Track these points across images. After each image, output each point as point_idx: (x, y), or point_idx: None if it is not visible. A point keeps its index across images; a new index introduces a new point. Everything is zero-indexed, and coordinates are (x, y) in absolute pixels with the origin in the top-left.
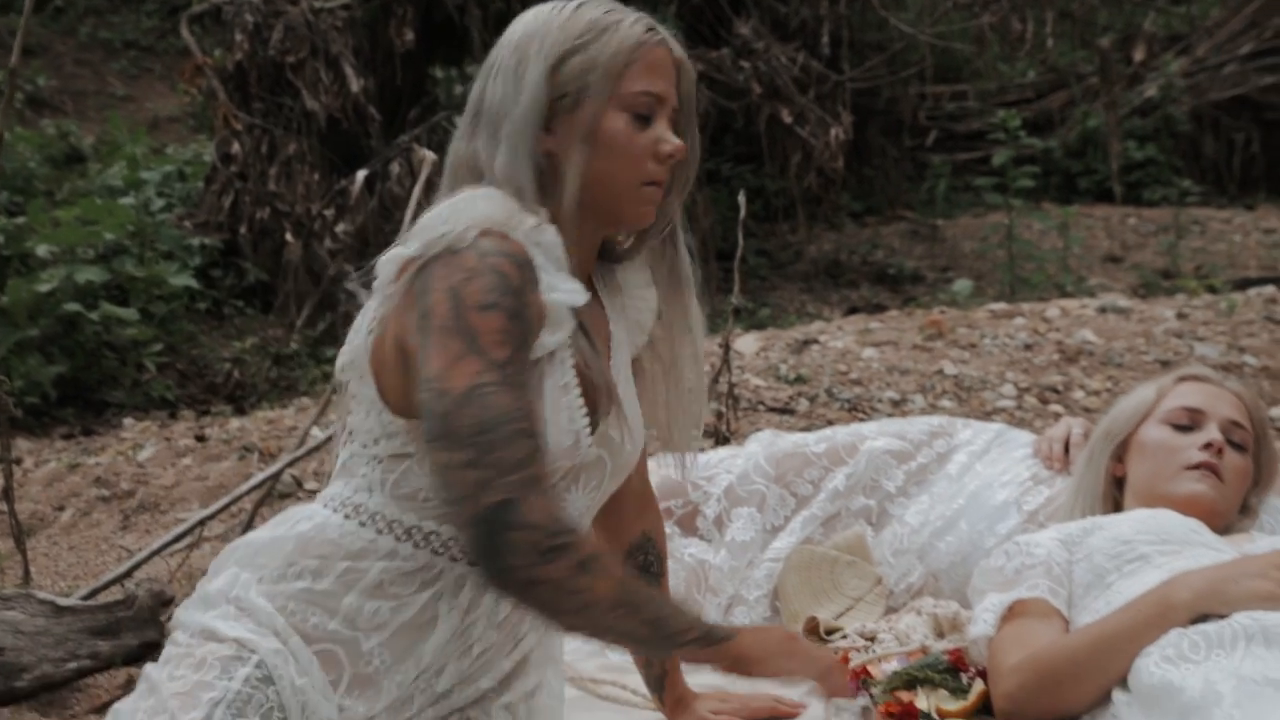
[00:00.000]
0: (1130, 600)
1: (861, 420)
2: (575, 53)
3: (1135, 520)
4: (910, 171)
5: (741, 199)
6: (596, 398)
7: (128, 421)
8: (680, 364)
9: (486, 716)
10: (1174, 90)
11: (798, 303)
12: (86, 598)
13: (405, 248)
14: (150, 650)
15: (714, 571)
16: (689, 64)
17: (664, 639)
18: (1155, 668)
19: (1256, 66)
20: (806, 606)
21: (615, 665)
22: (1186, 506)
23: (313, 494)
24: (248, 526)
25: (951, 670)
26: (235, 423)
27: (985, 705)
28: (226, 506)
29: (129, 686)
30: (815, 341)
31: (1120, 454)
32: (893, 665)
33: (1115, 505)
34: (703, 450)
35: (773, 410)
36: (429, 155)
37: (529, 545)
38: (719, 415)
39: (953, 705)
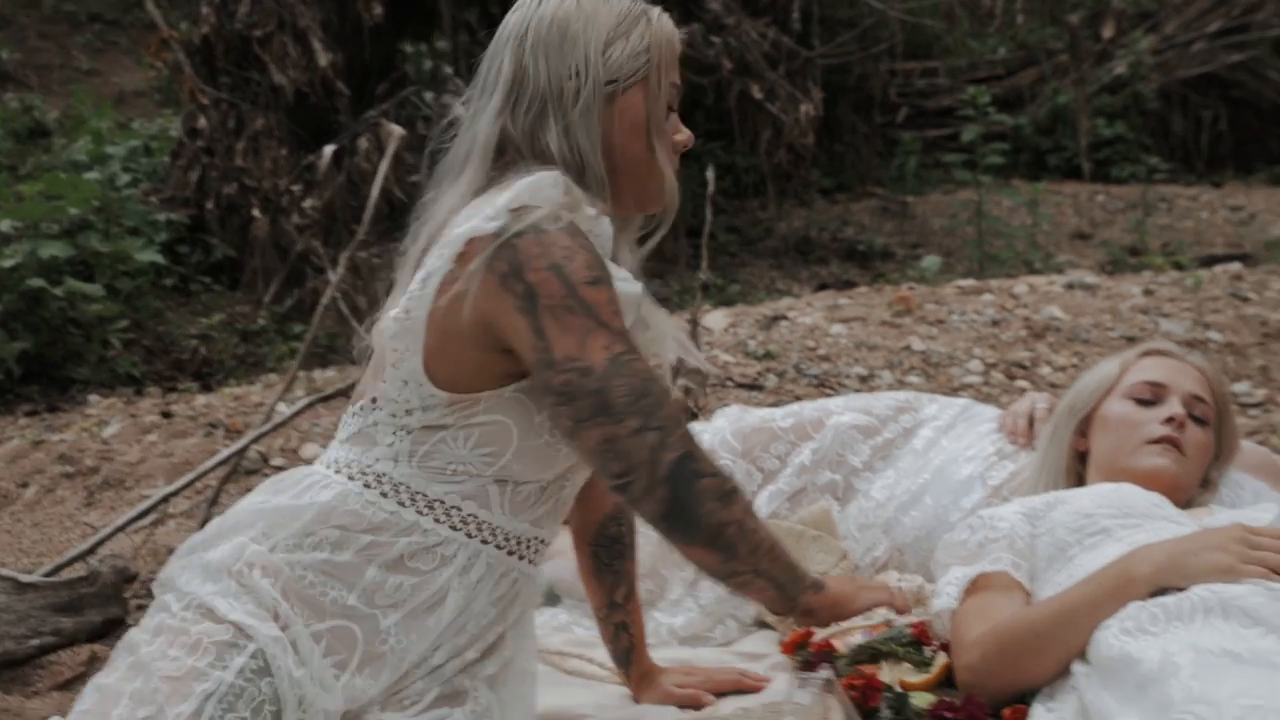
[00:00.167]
0: (1091, 573)
1: (829, 396)
2: (619, 38)
3: (1097, 494)
4: (881, 148)
5: (710, 175)
6: None
7: (93, 398)
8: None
9: (472, 685)
10: (1143, 68)
11: (768, 279)
12: (49, 574)
13: (482, 224)
14: (114, 627)
15: None
16: None
17: (794, 583)
18: (1114, 640)
19: (1224, 44)
20: None
21: (581, 640)
22: (1148, 480)
23: (280, 469)
24: (213, 503)
25: (915, 643)
26: (201, 399)
27: (948, 678)
28: (191, 483)
29: (92, 663)
30: (784, 318)
31: (1084, 428)
32: (857, 639)
33: (1078, 479)
34: None
35: (741, 386)
36: (396, 130)
37: (715, 490)
38: (687, 391)
39: (916, 678)
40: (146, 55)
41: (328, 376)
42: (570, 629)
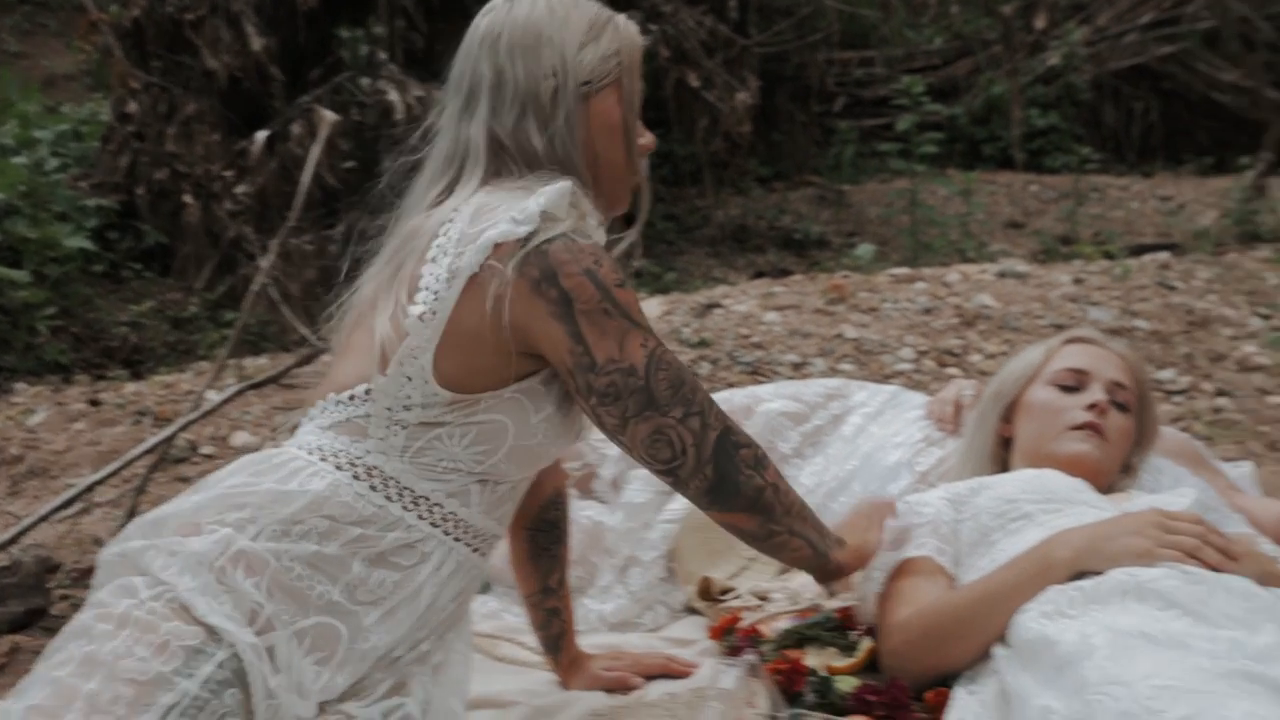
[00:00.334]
0: (1012, 558)
1: (762, 383)
2: (590, 42)
3: (1020, 480)
4: (818, 137)
5: (644, 163)
6: None
7: (19, 386)
8: None
9: (420, 672)
10: (1076, 59)
11: (704, 267)
12: None
13: (511, 228)
14: (36, 617)
15: (609, 533)
16: None
17: (823, 539)
18: (1033, 623)
19: (1155, 36)
20: (702, 567)
21: (512, 626)
22: (1071, 466)
23: (210, 458)
24: (140, 491)
25: (841, 628)
26: (130, 387)
27: (873, 662)
28: (117, 471)
29: (14, 654)
30: (719, 305)
31: (1009, 415)
32: (783, 624)
33: (1003, 465)
34: None
35: None
36: (329, 116)
37: (750, 459)
38: None
39: (841, 662)
40: (76, 38)
41: (259, 364)
42: (501, 615)
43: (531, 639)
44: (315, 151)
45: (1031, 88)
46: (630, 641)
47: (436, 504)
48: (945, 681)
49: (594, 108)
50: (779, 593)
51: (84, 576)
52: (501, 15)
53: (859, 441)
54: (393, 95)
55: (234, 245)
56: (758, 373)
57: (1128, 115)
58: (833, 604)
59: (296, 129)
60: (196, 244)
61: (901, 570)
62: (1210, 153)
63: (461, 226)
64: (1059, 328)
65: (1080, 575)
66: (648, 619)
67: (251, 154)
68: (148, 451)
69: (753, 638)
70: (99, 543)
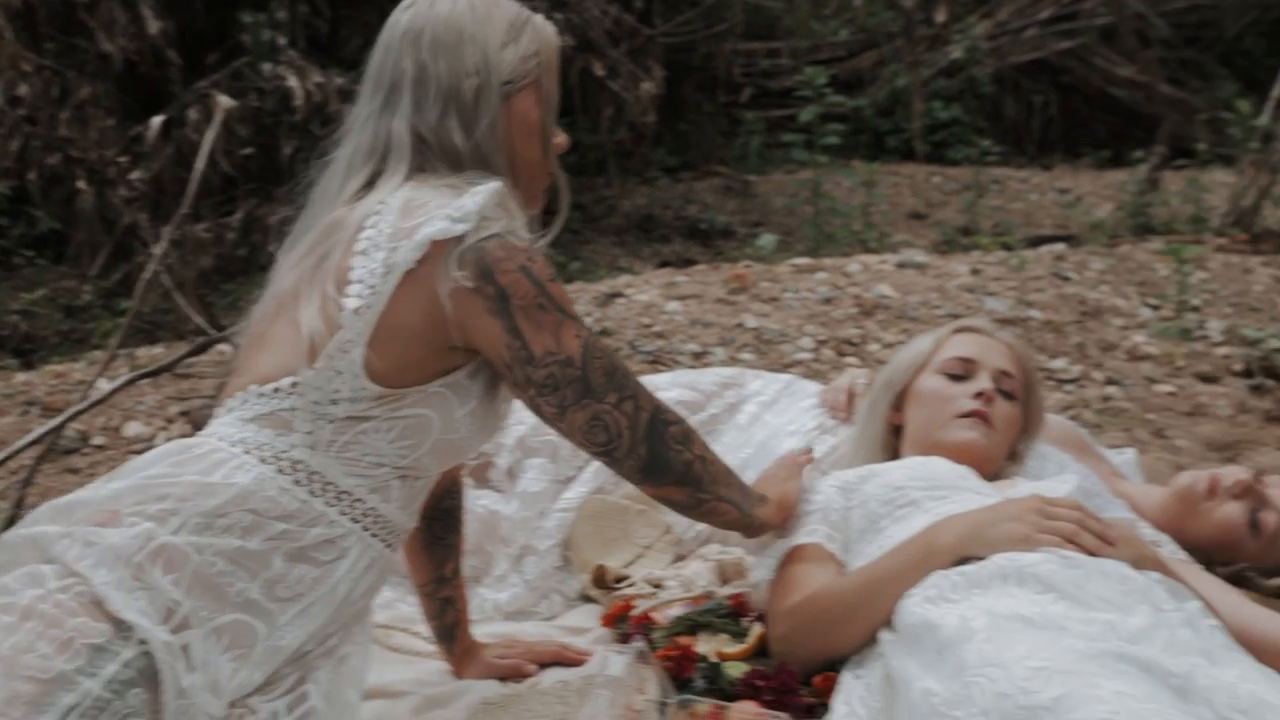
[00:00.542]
0: (898, 544)
1: (662, 372)
2: (511, 41)
3: (907, 467)
4: (724, 127)
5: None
6: None
7: None
8: None
9: (327, 665)
10: (978, 52)
11: (610, 256)
12: None
13: (448, 226)
14: None
15: (505, 522)
16: None
17: (748, 500)
18: (917, 607)
19: (1054, 31)
20: (597, 555)
21: (406, 616)
22: (958, 453)
23: (101, 449)
24: (27, 483)
25: (732, 615)
26: (21, 377)
27: (764, 648)
28: (3, 462)
29: None
30: (621, 295)
31: (899, 403)
32: (676, 611)
33: (894, 453)
34: None
35: None
36: (224, 101)
37: (681, 434)
38: None
39: (732, 649)
40: None
41: (154, 353)
42: (395, 605)
43: (426, 629)
44: (209, 137)
45: (934, 81)
46: (525, 630)
47: (359, 499)
48: (833, 666)
49: (514, 108)
50: (672, 580)
51: None
52: (423, 11)
53: (754, 430)
54: (292, 81)
55: (129, 232)
56: (658, 362)
57: (1028, 109)
58: (725, 591)
59: (193, 114)
60: (90, 231)
61: (791, 557)
62: (1107, 146)
63: (393, 220)
64: (956, 317)
65: (964, 560)
66: (543, 607)
67: (147, 139)
68: (34, 442)
69: (645, 625)
70: (45, 506)
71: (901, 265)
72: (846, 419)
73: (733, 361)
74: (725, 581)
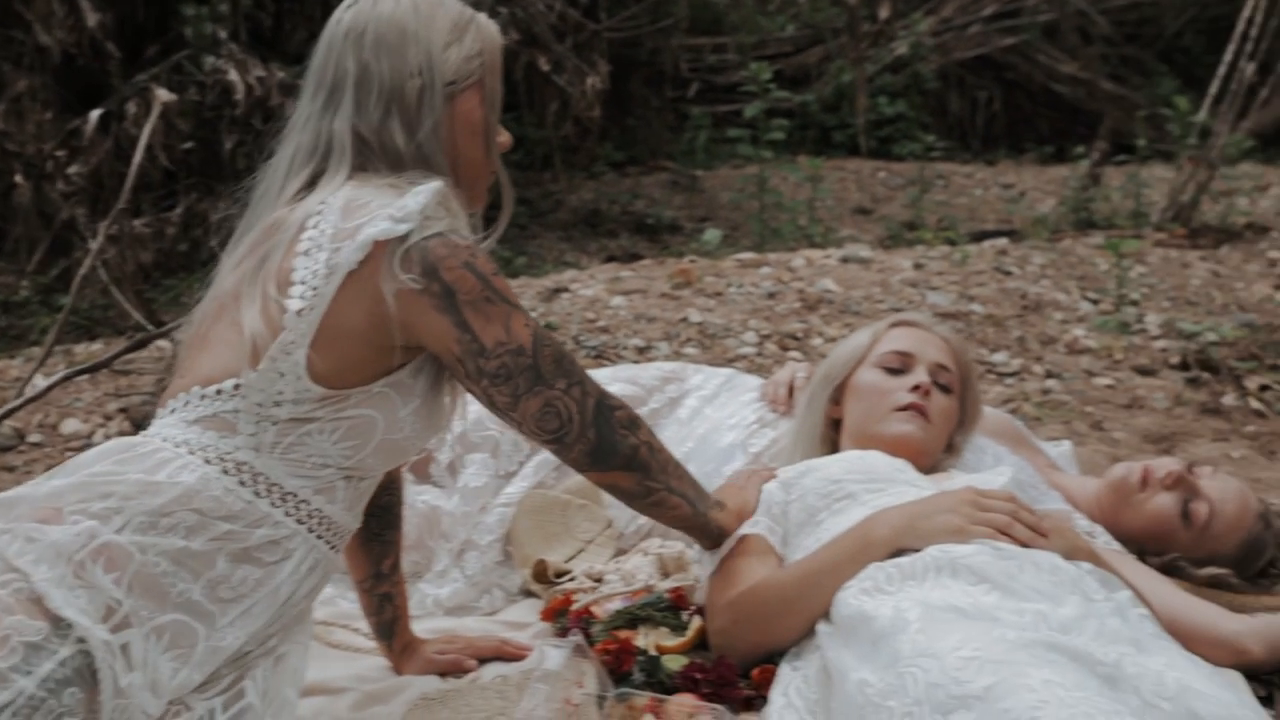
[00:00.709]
0: (834, 537)
1: (606, 367)
2: (454, 41)
3: (845, 461)
4: (671, 122)
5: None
6: None
7: None
8: None
9: (266, 663)
10: (922, 48)
11: (556, 251)
12: None
13: (391, 226)
14: None
15: (446, 517)
16: None
17: (702, 499)
18: (853, 599)
19: (998, 28)
20: (538, 550)
21: (346, 613)
22: (896, 446)
23: (38, 446)
24: None
25: (673, 608)
26: None
27: (704, 641)
28: None
29: None
30: (566, 290)
31: (837, 397)
32: (616, 605)
33: (834, 446)
34: None
35: None
36: (162, 94)
37: (626, 419)
38: None
39: (671, 642)
40: None
41: (92, 350)
42: (336, 601)
43: (366, 625)
44: (147, 131)
45: (880, 76)
46: (466, 625)
47: (304, 500)
48: (771, 658)
49: (457, 108)
50: (613, 574)
51: None
52: (366, 10)
53: (694, 424)
54: (233, 75)
55: (67, 227)
56: (602, 357)
57: (972, 105)
58: (665, 585)
59: (133, 108)
60: (28, 225)
61: (733, 550)
62: (1050, 142)
63: (334, 221)
64: (898, 311)
65: (899, 553)
66: (484, 603)
67: (85, 133)
68: None
69: (585, 619)
70: None
71: (845, 260)
72: (786, 412)
73: (676, 356)
74: (666, 575)
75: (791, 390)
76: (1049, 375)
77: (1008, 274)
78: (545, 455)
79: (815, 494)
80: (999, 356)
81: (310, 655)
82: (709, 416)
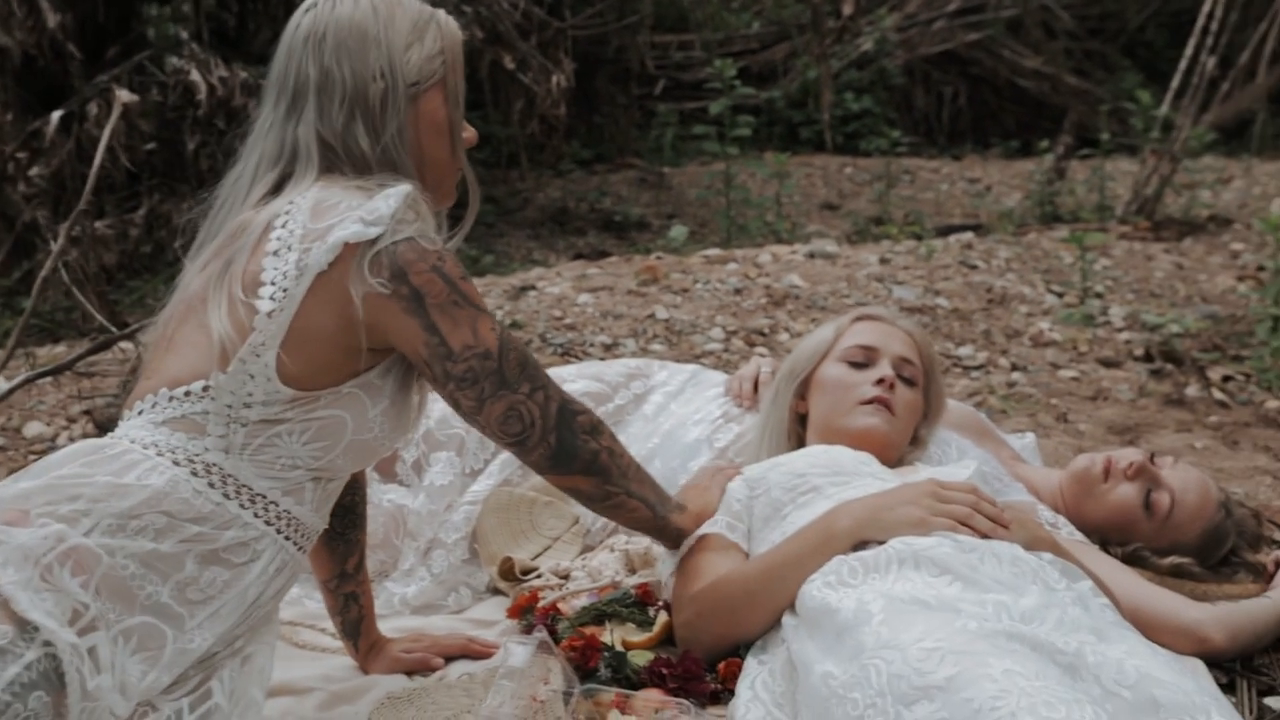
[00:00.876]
0: (798, 530)
1: (572, 364)
2: (415, 42)
3: (809, 455)
4: (638, 120)
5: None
6: None
7: None
8: None
9: (235, 663)
10: (888, 44)
11: (524, 250)
12: None
13: (362, 229)
14: None
15: (412, 516)
16: None
17: (663, 502)
18: (817, 592)
19: (962, 23)
20: (505, 547)
21: (312, 613)
22: (861, 440)
23: (0, 450)
24: None
25: (639, 604)
26: None
27: (670, 636)
28: None
29: None
30: (533, 288)
31: (802, 391)
32: (582, 601)
33: (800, 441)
34: None
35: None
36: (123, 95)
37: (589, 424)
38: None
39: (638, 637)
40: None
41: (55, 352)
42: (302, 602)
43: (332, 625)
44: (108, 131)
45: (845, 72)
46: (434, 624)
47: (273, 502)
48: (737, 652)
49: (421, 108)
50: (579, 571)
51: None
52: (325, 13)
53: (660, 420)
54: (195, 75)
55: (29, 229)
56: (569, 354)
57: (938, 100)
58: (632, 580)
59: (94, 109)
60: None
61: (694, 547)
62: (1016, 136)
63: (303, 221)
64: (863, 306)
65: (862, 545)
66: (451, 601)
67: (46, 135)
68: None
69: (552, 615)
70: None
71: (811, 255)
72: (751, 407)
73: (643, 353)
74: (632, 571)
75: (756, 385)
76: (1014, 368)
77: (973, 268)
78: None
79: (780, 488)
80: (965, 350)
81: (277, 655)
82: (674, 412)
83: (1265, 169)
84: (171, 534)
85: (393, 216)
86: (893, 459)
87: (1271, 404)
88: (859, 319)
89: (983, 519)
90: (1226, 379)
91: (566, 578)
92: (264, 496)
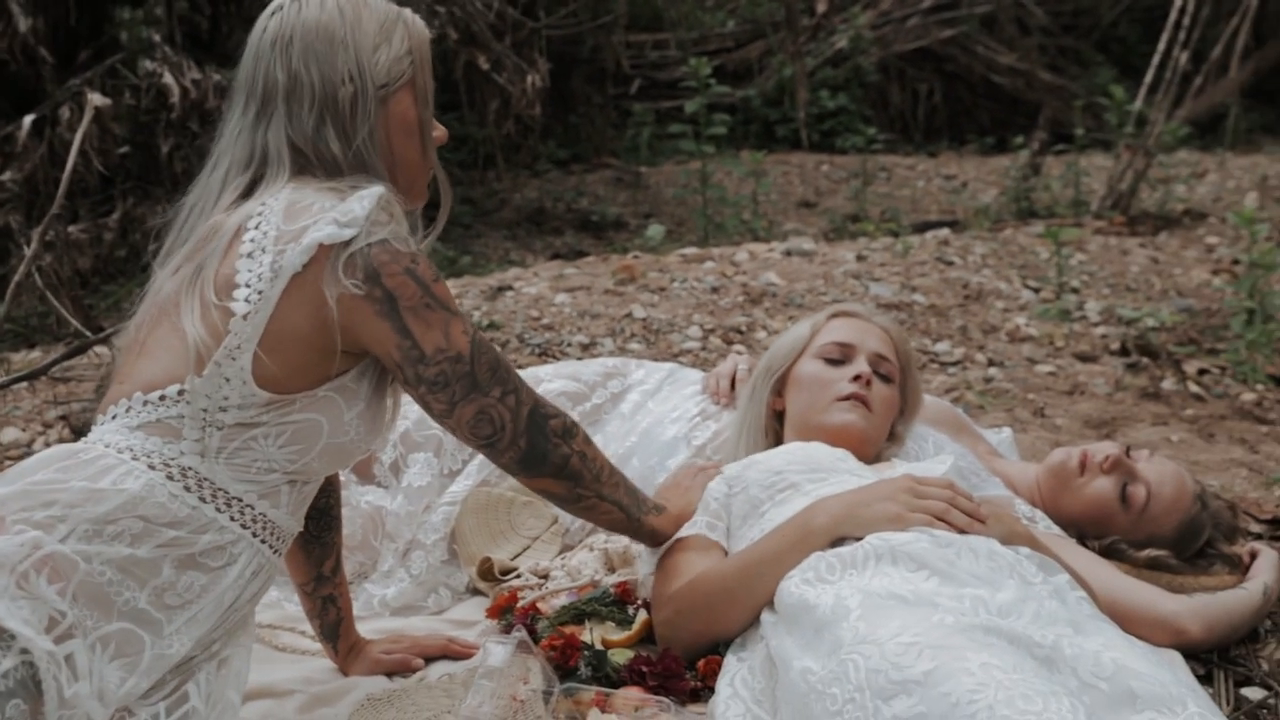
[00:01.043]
0: (776, 526)
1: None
2: (383, 43)
3: (786, 452)
4: (614, 119)
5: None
6: None
7: None
8: None
9: (211, 666)
10: (863, 42)
11: (502, 250)
12: None
13: (336, 231)
14: None
15: (391, 517)
16: None
17: (637, 505)
18: (795, 588)
19: (937, 20)
20: (484, 548)
21: (291, 616)
22: (838, 436)
23: None
24: None
25: (619, 603)
26: None
27: (650, 634)
28: None
29: None
30: (510, 288)
31: (779, 388)
32: (562, 600)
33: (777, 438)
34: None
35: None
36: (95, 98)
37: (561, 428)
38: None
39: (618, 635)
40: None
41: (31, 358)
42: (281, 605)
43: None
44: (79, 136)
45: (821, 70)
46: (413, 625)
47: (249, 505)
48: (717, 649)
49: (391, 110)
50: (559, 570)
51: None
52: (291, 17)
53: (637, 418)
54: (168, 78)
55: (2, 234)
56: (547, 354)
57: (913, 97)
58: (611, 579)
59: (66, 113)
60: None
61: (674, 546)
62: (991, 132)
63: (277, 223)
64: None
65: (840, 541)
66: (431, 602)
67: (18, 139)
68: None
69: (531, 615)
70: None
71: (788, 253)
72: (728, 405)
73: (621, 352)
74: (612, 570)
75: (734, 383)
76: (991, 364)
77: (950, 264)
78: None
79: (758, 486)
80: (942, 346)
81: (256, 658)
82: (652, 411)
83: (1239, 163)
84: (148, 539)
85: (367, 218)
86: (870, 455)
87: (1247, 396)
88: (835, 316)
89: (959, 514)
90: (1202, 372)
91: (546, 577)
92: (240, 500)
